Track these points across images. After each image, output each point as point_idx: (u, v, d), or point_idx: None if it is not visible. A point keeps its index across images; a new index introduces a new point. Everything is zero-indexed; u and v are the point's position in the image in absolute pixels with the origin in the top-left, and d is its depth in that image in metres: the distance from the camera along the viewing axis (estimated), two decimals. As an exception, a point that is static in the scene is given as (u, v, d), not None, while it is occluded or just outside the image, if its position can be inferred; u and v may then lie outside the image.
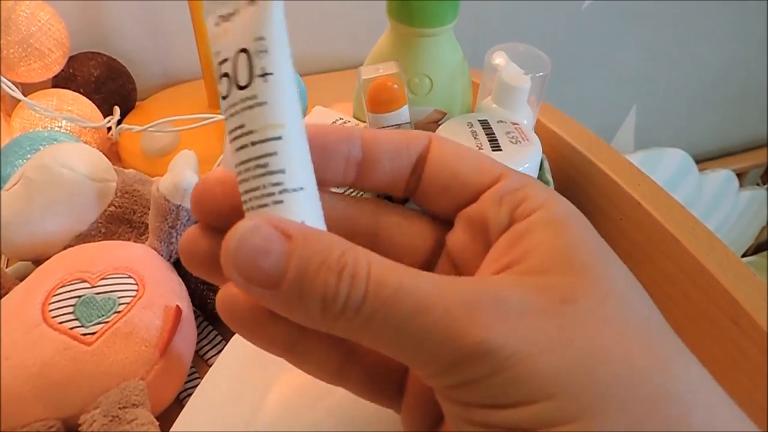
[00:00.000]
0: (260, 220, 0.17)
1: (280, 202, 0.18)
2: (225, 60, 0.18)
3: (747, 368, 0.34)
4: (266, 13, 0.18)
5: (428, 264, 0.22)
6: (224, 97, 0.18)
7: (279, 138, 0.18)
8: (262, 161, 0.18)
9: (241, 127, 0.18)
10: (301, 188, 0.18)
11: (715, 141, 1.24)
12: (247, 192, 0.18)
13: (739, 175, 1.19)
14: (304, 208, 0.18)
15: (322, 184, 0.19)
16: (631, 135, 1.14)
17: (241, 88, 0.18)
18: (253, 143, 0.18)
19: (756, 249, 1.43)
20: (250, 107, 0.18)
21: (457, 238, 0.21)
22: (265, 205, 0.18)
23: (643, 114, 1.11)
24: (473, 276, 0.19)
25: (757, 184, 1.27)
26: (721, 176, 1.15)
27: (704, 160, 1.19)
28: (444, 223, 0.22)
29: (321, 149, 0.20)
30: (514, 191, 0.20)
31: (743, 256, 1.39)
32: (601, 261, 0.18)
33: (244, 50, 0.18)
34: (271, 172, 0.18)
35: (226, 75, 0.18)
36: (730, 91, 1.15)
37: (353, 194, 0.39)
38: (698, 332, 0.36)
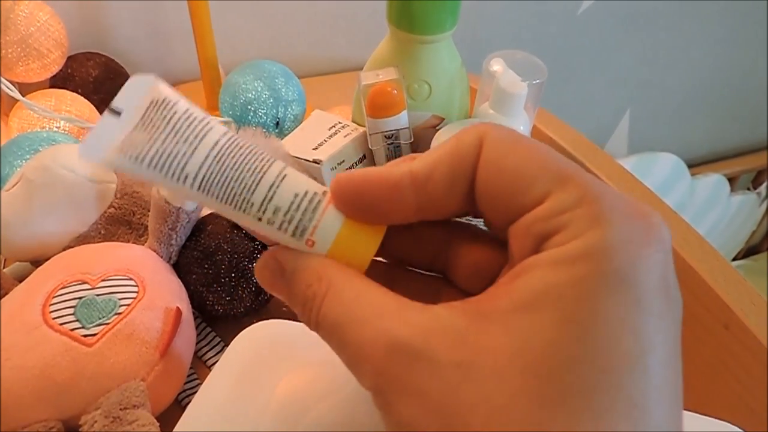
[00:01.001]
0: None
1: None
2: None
3: (737, 371, 0.34)
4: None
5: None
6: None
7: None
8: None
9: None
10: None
11: (707, 146, 1.25)
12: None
13: (731, 180, 1.20)
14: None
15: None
16: (625, 139, 1.15)
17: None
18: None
19: (746, 253, 1.45)
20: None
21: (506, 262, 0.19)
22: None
23: (636, 118, 1.12)
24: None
25: (748, 189, 1.28)
26: (713, 181, 1.16)
27: (696, 165, 1.20)
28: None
29: (368, 208, 0.19)
30: (546, 220, 0.16)
31: (734, 259, 1.40)
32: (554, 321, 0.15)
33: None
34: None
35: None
36: (723, 96, 1.16)
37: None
38: (690, 335, 0.37)
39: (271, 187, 0.19)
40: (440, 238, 0.21)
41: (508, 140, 0.18)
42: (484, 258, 0.20)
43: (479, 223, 0.21)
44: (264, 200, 0.19)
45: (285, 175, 0.19)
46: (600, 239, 0.15)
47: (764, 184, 1.27)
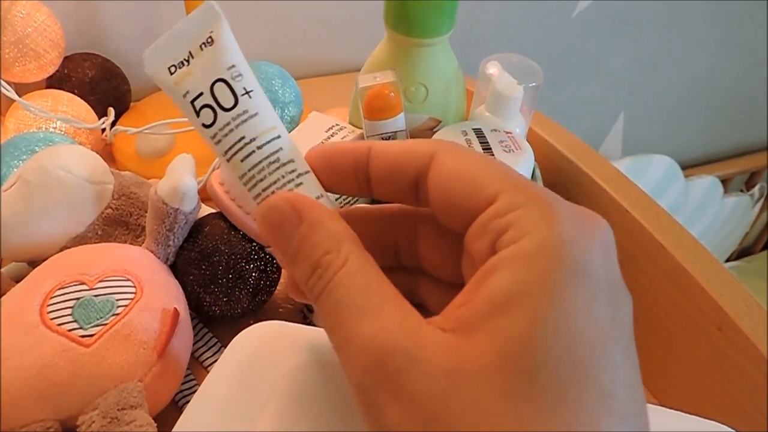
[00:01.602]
0: (281, 198, 0.20)
1: (301, 183, 0.21)
2: (200, 94, 0.21)
3: (730, 372, 0.35)
4: (228, 46, 0.22)
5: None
6: (209, 125, 0.21)
7: (278, 137, 0.22)
8: (273, 158, 0.21)
9: (242, 139, 0.21)
10: (307, 171, 0.22)
11: (700, 148, 1.26)
12: (268, 187, 0.21)
13: (724, 182, 1.21)
14: (317, 183, 0.22)
15: (347, 194, 0.22)
16: (619, 141, 1.15)
17: (228, 109, 0.21)
18: (259, 147, 0.21)
19: (739, 254, 1.45)
20: (244, 120, 0.21)
21: (464, 264, 0.20)
22: (293, 190, 0.21)
23: (630, 121, 1.13)
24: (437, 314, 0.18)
25: (741, 191, 1.29)
26: (707, 183, 1.17)
27: (690, 167, 1.20)
28: None
29: (334, 167, 0.22)
30: (500, 217, 0.17)
31: (727, 261, 1.41)
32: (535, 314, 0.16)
33: (219, 80, 0.21)
34: (284, 164, 0.21)
35: (206, 106, 0.21)
36: (716, 99, 1.17)
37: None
38: (684, 337, 0.37)
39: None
40: (405, 233, 0.22)
41: (461, 150, 0.20)
42: (449, 249, 0.21)
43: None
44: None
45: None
46: (552, 235, 0.16)
47: (757, 186, 1.28)
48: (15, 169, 0.43)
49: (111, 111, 0.57)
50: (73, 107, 0.54)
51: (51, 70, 0.55)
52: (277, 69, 0.54)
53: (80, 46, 0.62)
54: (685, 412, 0.28)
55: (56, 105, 0.53)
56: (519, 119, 0.43)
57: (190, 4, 0.55)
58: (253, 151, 0.21)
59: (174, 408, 0.37)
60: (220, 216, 0.42)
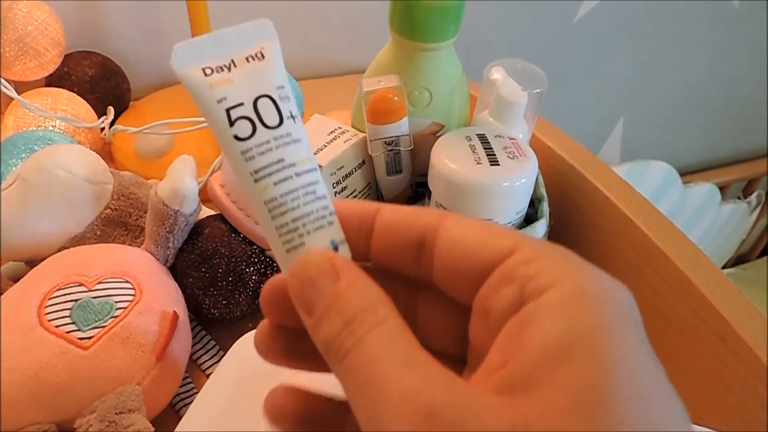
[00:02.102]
0: (321, 255, 0.19)
1: (332, 222, 0.20)
2: (240, 104, 0.20)
3: (733, 384, 0.34)
4: (279, 66, 0.21)
5: (463, 354, 0.20)
6: (244, 138, 0.20)
7: (315, 169, 0.20)
8: (310, 188, 0.20)
9: (281, 161, 0.20)
10: (334, 211, 0.20)
11: (698, 155, 1.26)
12: (299, 218, 0.20)
13: (722, 189, 1.21)
14: (340, 226, 0.20)
15: None
16: (618, 146, 1.15)
17: (272, 128, 0.20)
18: (298, 174, 0.20)
19: (736, 261, 1.46)
20: (287, 143, 0.20)
21: (474, 328, 0.19)
22: (322, 227, 0.20)
23: (629, 126, 1.13)
24: (478, 369, 0.17)
25: (739, 198, 1.29)
26: (704, 189, 1.17)
27: (688, 173, 1.21)
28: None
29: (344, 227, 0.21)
30: (526, 263, 0.17)
31: (723, 267, 1.41)
32: (602, 358, 0.15)
33: (265, 96, 0.20)
34: (319, 198, 0.20)
35: (245, 118, 0.20)
36: (714, 106, 1.18)
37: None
38: (686, 347, 0.37)
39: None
40: (404, 294, 0.21)
41: (469, 218, 0.20)
42: (451, 317, 0.20)
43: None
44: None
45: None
46: (592, 280, 0.16)
47: (755, 194, 1.28)
48: (14, 168, 0.43)
49: (110, 110, 0.56)
50: (72, 106, 0.54)
51: (51, 68, 0.55)
52: (278, 70, 0.54)
53: (80, 44, 0.61)
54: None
55: (56, 103, 0.53)
56: (522, 125, 0.43)
57: (191, 4, 0.54)
58: (291, 177, 0.20)
59: (172, 411, 0.37)
60: (221, 218, 0.41)
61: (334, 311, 0.18)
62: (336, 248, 0.20)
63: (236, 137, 0.20)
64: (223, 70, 0.20)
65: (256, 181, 0.20)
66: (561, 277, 0.16)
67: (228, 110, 0.20)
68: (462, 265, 0.19)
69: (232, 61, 0.20)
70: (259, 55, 0.21)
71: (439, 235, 0.19)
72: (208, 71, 0.20)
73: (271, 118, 0.20)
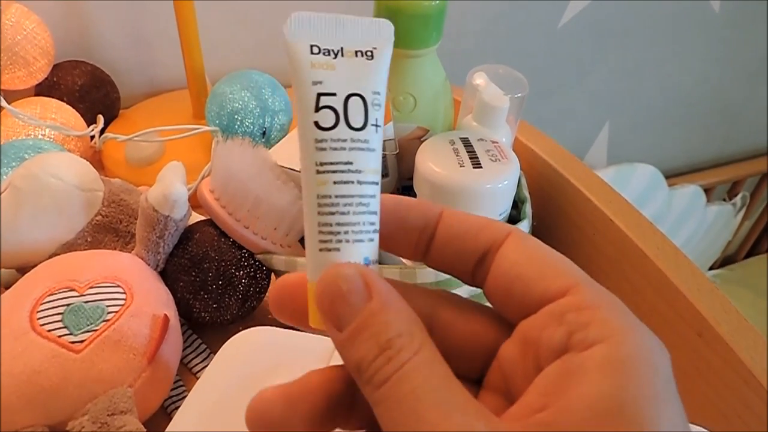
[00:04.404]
0: (354, 269, 0.18)
1: (372, 240, 0.20)
2: (332, 94, 0.19)
3: (710, 378, 0.35)
4: (383, 71, 0.20)
5: (481, 368, 0.20)
6: (324, 128, 0.19)
7: (377, 183, 0.20)
8: (365, 200, 0.20)
9: (349, 163, 0.19)
10: (378, 230, 0.20)
11: (684, 157, 1.28)
12: (344, 224, 0.19)
13: (707, 191, 1.23)
14: (378, 248, 0.20)
15: (395, 254, 0.21)
16: (604, 150, 1.17)
17: (353, 129, 0.19)
18: (360, 182, 0.19)
19: (722, 262, 1.48)
20: (362, 149, 0.20)
21: (510, 350, 0.19)
22: (362, 241, 0.19)
23: (615, 130, 1.15)
24: (513, 406, 0.17)
25: (724, 200, 1.31)
26: (690, 192, 1.19)
27: (673, 176, 1.22)
28: (508, 326, 0.20)
29: (400, 221, 0.21)
30: (579, 310, 0.17)
31: (710, 269, 1.43)
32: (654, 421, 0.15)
33: (358, 95, 0.20)
34: (371, 212, 0.20)
35: (331, 108, 0.19)
36: (699, 109, 1.19)
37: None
38: (665, 343, 0.38)
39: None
40: (426, 302, 0.21)
41: (534, 241, 0.20)
42: (471, 332, 0.20)
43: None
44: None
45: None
46: (643, 342, 0.16)
47: (740, 195, 1.30)
48: (4, 176, 0.43)
49: (100, 118, 0.57)
50: (62, 114, 0.54)
51: (40, 77, 0.55)
52: (267, 78, 0.55)
53: (70, 54, 0.62)
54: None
55: (45, 112, 0.53)
56: (505, 129, 0.44)
57: (179, 13, 0.55)
58: (353, 182, 0.19)
59: (163, 414, 0.38)
60: (210, 223, 0.42)
61: (367, 333, 0.17)
62: (368, 265, 0.20)
63: (316, 124, 0.19)
64: (329, 54, 0.20)
65: (318, 172, 0.19)
66: (611, 333, 0.16)
67: (319, 95, 0.19)
68: (515, 291, 0.19)
69: (342, 49, 0.20)
70: (368, 53, 0.20)
71: (499, 254, 0.19)
72: (315, 50, 0.20)
73: (356, 119, 0.20)
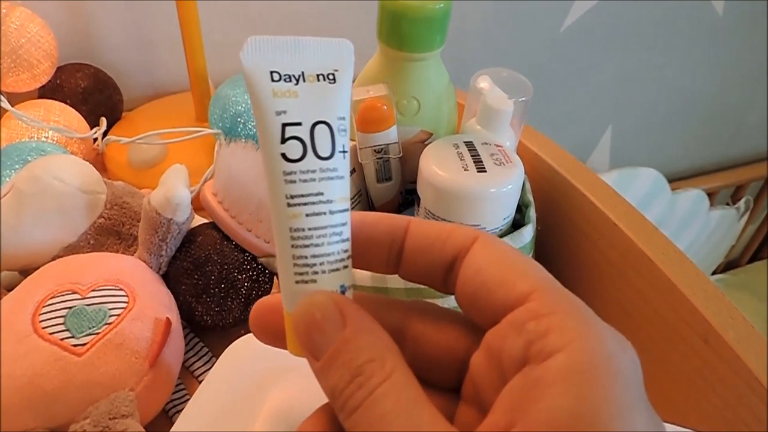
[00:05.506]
0: (328, 297, 0.18)
1: (347, 267, 0.20)
2: (297, 123, 0.19)
3: (716, 385, 0.35)
4: (346, 95, 0.20)
5: (457, 378, 0.20)
6: (292, 160, 0.19)
7: (347, 210, 0.20)
8: (338, 229, 0.19)
9: (320, 194, 0.19)
10: (350, 255, 0.20)
11: (687, 161, 1.27)
12: (319, 256, 0.19)
13: (710, 195, 1.22)
14: (352, 272, 0.20)
15: (367, 270, 0.21)
16: (607, 154, 1.17)
17: (321, 158, 0.19)
18: (332, 212, 0.19)
19: (726, 267, 1.47)
20: (331, 178, 0.19)
21: (479, 361, 0.19)
22: (337, 270, 0.19)
23: (618, 134, 1.14)
24: (480, 425, 0.17)
25: (727, 204, 1.31)
26: (693, 196, 1.18)
27: (676, 180, 1.22)
28: (481, 335, 0.19)
29: (367, 238, 0.21)
30: (537, 318, 0.17)
31: (713, 273, 1.42)
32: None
33: (324, 123, 0.19)
34: (344, 240, 0.20)
35: (298, 139, 0.19)
36: (702, 113, 1.19)
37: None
38: (669, 349, 0.38)
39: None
40: (398, 315, 0.21)
41: (503, 242, 0.20)
42: (444, 344, 0.20)
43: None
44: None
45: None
46: (600, 348, 0.16)
47: (743, 200, 1.30)
48: (8, 179, 0.43)
49: (103, 121, 0.57)
50: (65, 117, 0.54)
51: (44, 80, 0.55)
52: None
53: (73, 56, 0.62)
54: (669, 423, 0.28)
55: (48, 115, 0.53)
56: (509, 133, 0.44)
57: (183, 16, 0.55)
58: (325, 213, 0.19)
59: (164, 418, 0.38)
60: (213, 226, 0.42)
61: (340, 360, 0.17)
62: (344, 293, 0.20)
63: (284, 156, 0.19)
64: (291, 80, 0.19)
65: (289, 205, 0.19)
66: (569, 340, 0.16)
67: (284, 125, 0.19)
68: (480, 299, 0.19)
69: (303, 73, 0.19)
70: (330, 76, 0.20)
71: (465, 261, 0.19)
72: (276, 76, 0.19)
73: (324, 148, 0.19)
